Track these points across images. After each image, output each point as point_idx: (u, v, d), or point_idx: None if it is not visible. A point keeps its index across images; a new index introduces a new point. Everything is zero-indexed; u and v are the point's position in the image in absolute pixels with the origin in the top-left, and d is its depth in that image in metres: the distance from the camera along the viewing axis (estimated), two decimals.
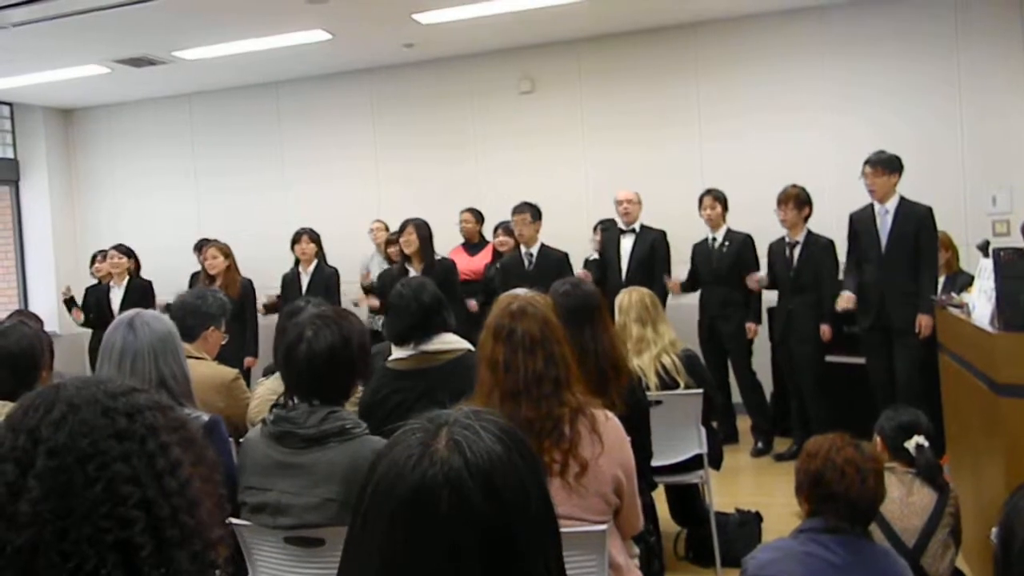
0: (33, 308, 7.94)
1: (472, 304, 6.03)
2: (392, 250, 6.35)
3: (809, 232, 5.50)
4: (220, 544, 1.07)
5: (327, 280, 6.53)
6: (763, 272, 5.65)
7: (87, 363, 6.54)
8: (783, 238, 5.59)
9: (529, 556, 0.92)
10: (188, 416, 1.68)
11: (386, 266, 6.46)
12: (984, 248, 3.82)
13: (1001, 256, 3.07)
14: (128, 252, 6.76)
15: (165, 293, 6.40)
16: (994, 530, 1.39)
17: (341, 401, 2.22)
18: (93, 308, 6.66)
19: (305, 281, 6.52)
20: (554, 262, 5.82)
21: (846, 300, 5.12)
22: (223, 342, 3.28)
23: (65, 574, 0.92)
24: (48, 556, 0.91)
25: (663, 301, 5.19)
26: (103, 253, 6.90)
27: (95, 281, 7.00)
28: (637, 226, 5.99)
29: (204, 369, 3.01)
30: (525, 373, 2.07)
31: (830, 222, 5.56)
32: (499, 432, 0.95)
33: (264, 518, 2.10)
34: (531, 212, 5.92)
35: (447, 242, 6.51)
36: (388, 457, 0.94)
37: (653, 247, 5.92)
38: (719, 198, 5.82)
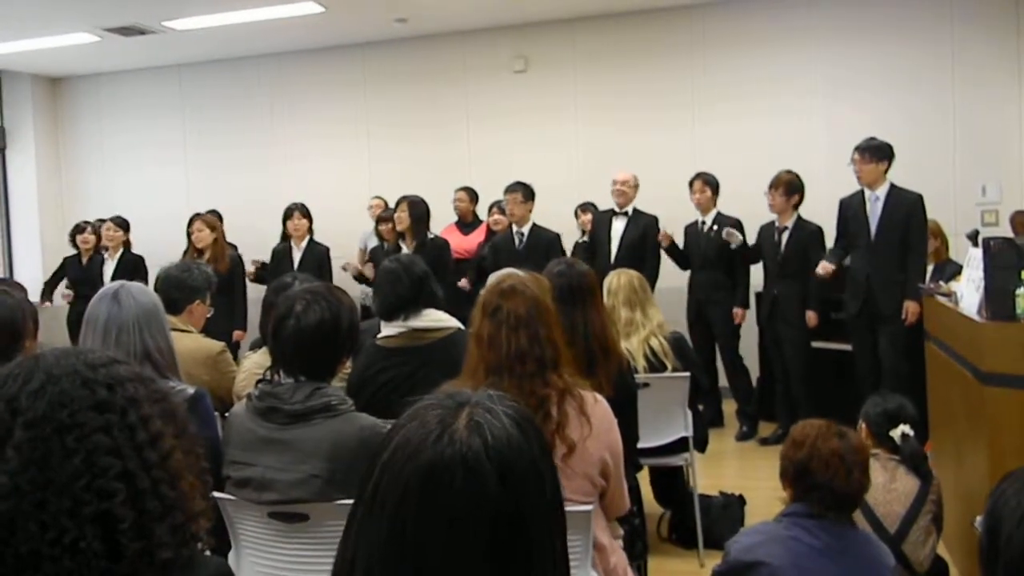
0: (18, 278, 7.86)
1: (464, 283, 6.02)
2: (384, 227, 6.32)
3: (799, 218, 5.50)
4: (202, 516, 1.06)
5: (320, 257, 6.50)
6: (739, 235, 5.60)
7: (66, 336, 6.49)
8: (772, 223, 5.59)
9: (537, 542, 0.92)
10: (170, 388, 1.67)
11: (378, 243, 6.43)
12: (973, 237, 3.83)
13: (991, 246, 3.07)
14: (124, 224, 6.71)
15: (152, 266, 6.37)
16: (979, 518, 1.40)
17: (327, 377, 2.20)
18: (80, 281, 6.60)
19: (297, 257, 6.48)
20: (544, 242, 5.80)
21: (823, 267, 5.11)
22: (208, 315, 3.26)
23: (44, 545, 0.90)
24: (26, 528, 0.90)
25: (652, 285, 5.19)
26: (89, 224, 6.85)
27: (74, 252, 6.90)
28: (630, 209, 5.97)
29: (190, 342, 2.99)
30: (508, 349, 2.07)
31: (822, 208, 5.56)
32: (519, 418, 0.95)
33: (248, 493, 2.09)
34: (523, 192, 5.89)
35: (438, 220, 6.48)
36: (404, 431, 0.93)
37: (645, 232, 5.90)
38: (709, 182, 5.80)
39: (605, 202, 6.16)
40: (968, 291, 3.40)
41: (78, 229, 6.92)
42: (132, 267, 6.50)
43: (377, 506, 0.91)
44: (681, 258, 5.97)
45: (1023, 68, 6.18)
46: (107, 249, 6.67)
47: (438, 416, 0.93)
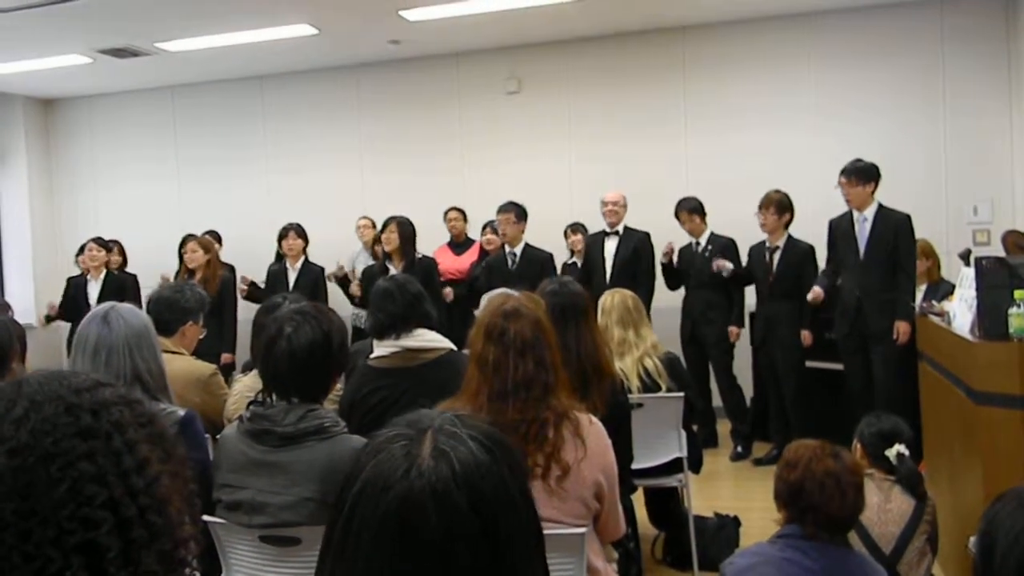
0: (9, 299, 7.83)
1: (448, 292, 6.03)
2: (379, 247, 6.33)
3: (789, 237, 5.52)
4: (190, 542, 1.04)
5: (315, 277, 6.49)
6: (730, 264, 5.60)
7: (64, 357, 6.46)
8: (763, 243, 5.60)
9: (519, 564, 0.91)
10: (157, 411, 1.65)
11: (372, 263, 6.44)
12: (966, 257, 3.84)
13: (983, 265, 3.08)
14: (106, 245, 6.68)
15: (145, 287, 6.36)
16: (972, 539, 1.39)
17: (320, 398, 2.19)
18: (70, 300, 6.58)
19: (292, 277, 6.48)
20: (538, 262, 5.81)
21: (814, 293, 5.13)
22: (200, 336, 3.24)
23: None
24: (10, 559, 0.88)
25: (647, 304, 5.19)
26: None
27: (78, 272, 6.91)
28: (621, 228, 5.99)
29: (181, 364, 2.98)
30: (515, 375, 2.06)
31: (813, 227, 5.57)
32: (484, 439, 0.93)
33: (239, 516, 2.07)
34: (516, 212, 5.90)
35: (430, 240, 6.49)
36: (372, 467, 0.91)
37: (637, 249, 5.92)
38: (695, 210, 5.83)
39: (598, 223, 6.17)
40: (960, 310, 3.41)
41: (80, 250, 6.95)
42: (118, 287, 6.44)
43: (350, 546, 0.89)
44: (674, 278, 5.97)
45: (1013, 88, 6.23)
46: (90, 271, 6.63)
47: (403, 448, 0.91)
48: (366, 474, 0.91)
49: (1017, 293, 2.90)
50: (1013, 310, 2.89)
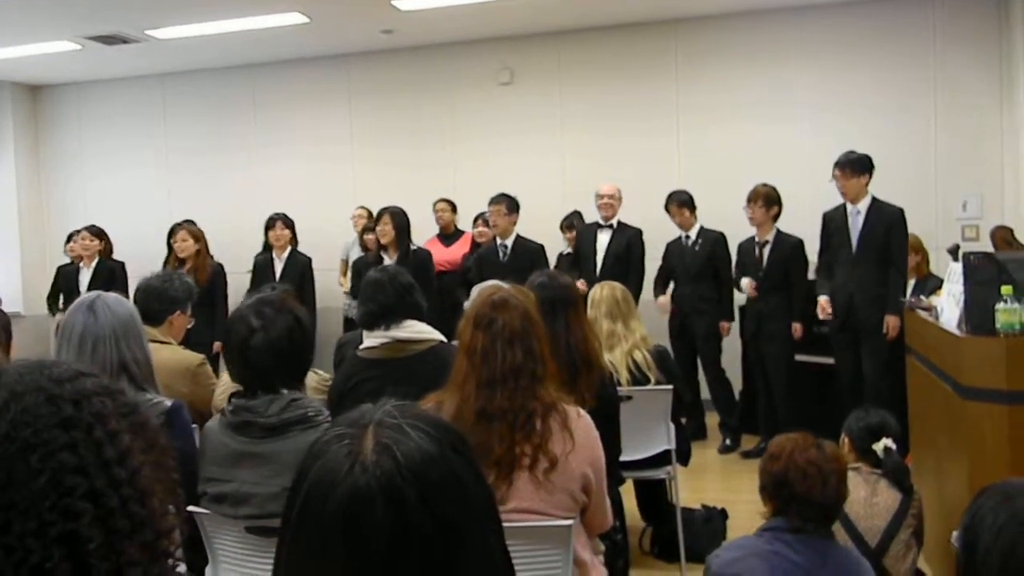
0: None
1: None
2: (369, 237, 6.32)
3: (778, 231, 5.53)
4: (173, 532, 1.04)
5: (301, 267, 6.48)
6: (753, 282, 5.57)
7: (53, 345, 6.43)
8: (752, 237, 5.61)
9: (474, 547, 0.90)
10: (141, 401, 1.64)
11: (363, 254, 6.42)
12: (954, 252, 3.85)
13: (971, 260, 3.09)
14: (99, 234, 6.68)
15: (133, 275, 6.33)
16: (955, 534, 1.40)
17: (302, 381, 2.19)
18: (63, 289, 6.57)
19: (279, 267, 6.47)
20: (529, 254, 5.80)
21: (822, 306, 5.13)
22: (189, 326, 3.23)
23: (9, 568, 0.88)
24: None
25: (636, 297, 5.19)
26: (78, 233, 6.82)
27: (68, 260, 6.91)
28: (615, 222, 5.99)
29: (169, 354, 2.97)
30: (503, 363, 2.07)
31: (804, 222, 5.58)
32: (427, 427, 0.92)
33: (225, 508, 2.06)
34: (507, 203, 5.89)
35: (422, 232, 6.47)
36: (316, 469, 0.90)
37: (629, 244, 5.92)
38: (685, 203, 5.84)
39: (590, 214, 6.17)
40: (948, 305, 3.42)
41: (68, 238, 6.93)
42: (108, 275, 6.45)
43: (301, 551, 0.89)
44: (663, 286, 5.95)
45: (1004, 85, 6.25)
46: (82, 259, 6.63)
47: (346, 447, 0.89)
48: (310, 478, 0.90)
49: (1004, 289, 2.91)
50: (1000, 305, 2.90)
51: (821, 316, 5.15)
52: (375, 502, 0.85)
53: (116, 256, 6.88)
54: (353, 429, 0.91)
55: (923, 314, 3.82)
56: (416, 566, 0.86)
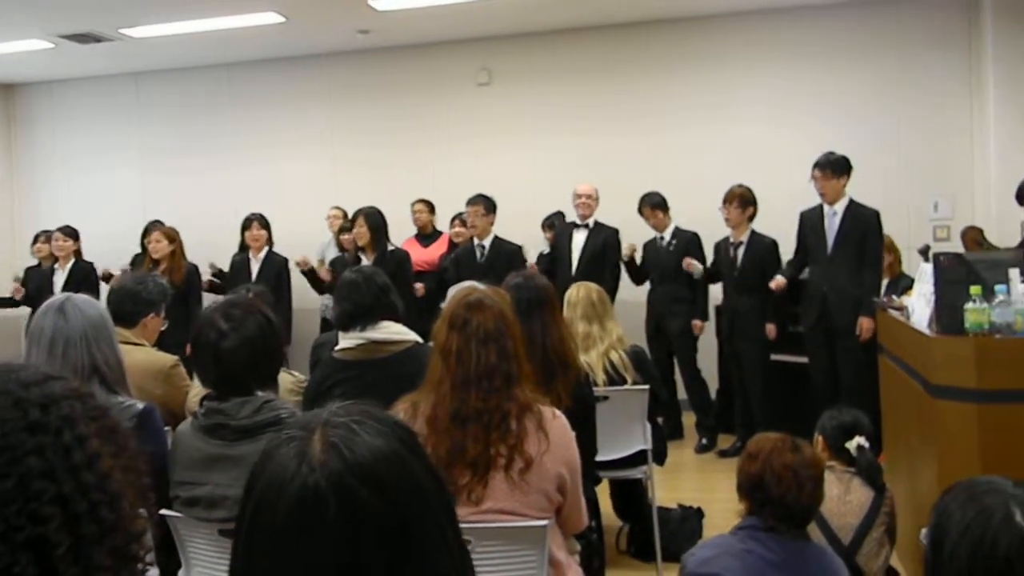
0: None
1: (419, 287, 6.00)
2: (345, 238, 6.29)
3: (753, 232, 5.57)
4: (143, 537, 1.03)
5: (278, 268, 6.44)
6: (699, 265, 5.67)
7: (23, 347, 6.34)
8: (727, 238, 5.65)
9: (429, 539, 0.91)
10: (111, 404, 1.63)
11: (340, 254, 6.40)
12: (925, 253, 3.91)
13: (941, 261, 3.13)
14: (73, 234, 6.61)
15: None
16: (924, 531, 1.42)
17: (275, 380, 2.17)
18: (34, 291, 6.47)
19: (255, 268, 6.42)
20: (506, 255, 5.81)
21: (776, 282, 5.19)
22: (162, 328, 3.20)
23: None
24: None
25: (612, 298, 5.21)
26: (46, 233, 6.74)
27: (35, 262, 6.82)
28: (591, 221, 6.01)
29: (142, 355, 2.94)
30: (477, 364, 2.08)
31: (779, 222, 5.63)
32: (375, 424, 0.93)
33: (198, 511, 2.05)
34: (484, 204, 5.89)
35: (400, 232, 6.46)
36: (265, 472, 0.91)
37: (605, 244, 5.94)
38: (658, 205, 5.87)
39: (571, 214, 6.20)
40: (919, 305, 3.46)
41: (35, 239, 6.84)
42: (83, 276, 6.39)
43: (257, 555, 0.89)
44: (637, 273, 6.00)
45: (973, 87, 6.33)
46: (57, 259, 6.56)
47: (294, 448, 0.90)
48: (261, 481, 0.90)
49: (973, 289, 2.95)
50: (969, 305, 2.94)
51: (773, 287, 5.21)
52: (326, 500, 0.86)
53: (88, 255, 6.80)
54: (302, 431, 0.92)
55: (895, 314, 3.87)
56: (371, 561, 0.86)
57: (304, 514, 0.86)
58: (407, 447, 0.93)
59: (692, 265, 5.63)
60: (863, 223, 5.02)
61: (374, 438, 0.90)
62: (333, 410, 0.95)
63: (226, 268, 6.59)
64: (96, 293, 5.46)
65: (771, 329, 5.46)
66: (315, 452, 0.89)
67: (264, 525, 0.88)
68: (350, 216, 6.55)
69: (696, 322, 5.80)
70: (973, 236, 5.75)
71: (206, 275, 6.45)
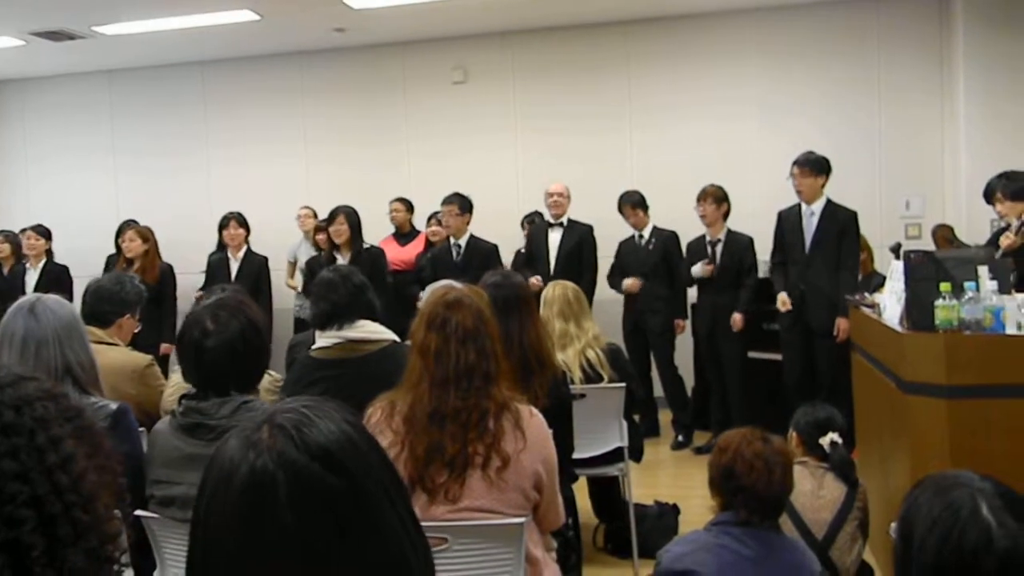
0: None
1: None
2: (321, 237, 6.27)
3: (729, 231, 5.61)
4: (118, 538, 1.03)
5: (257, 267, 6.40)
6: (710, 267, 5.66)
7: None
8: (703, 236, 5.68)
9: (378, 508, 0.92)
10: (85, 404, 1.62)
11: (314, 253, 6.37)
12: (896, 250, 3.95)
13: (911, 258, 3.18)
14: (46, 233, 6.52)
15: (79, 276, 6.19)
16: (893, 525, 1.44)
17: (256, 386, 2.17)
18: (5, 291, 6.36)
19: (234, 267, 6.37)
20: (482, 254, 5.81)
21: (782, 301, 5.19)
22: (136, 330, 3.18)
23: None
24: None
25: (590, 296, 5.23)
26: (3, 233, 6.64)
27: None
28: (565, 220, 6.03)
29: (116, 355, 2.92)
30: (456, 363, 2.08)
31: (756, 221, 5.68)
32: (320, 407, 0.95)
33: (173, 511, 2.04)
34: (459, 203, 5.89)
35: (376, 231, 6.44)
36: (215, 465, 0.92)
37: (581, 241, 5.96)
38: (638, 204, 5.89)
39: (545, 212, 6.21)
40: (890, 302, 3.51)
41: None
42: (55, 277, 6.31)
43: (213, 544, 0.90)
44: (617, 283, 5.97)
45: (945, 86, 6.42)
46: (28, 259, 6.47)
47: (244, 438, 0.92)
48: (211, 474, 0.92)
49: (943, 286, 3.00)
50: (939, 302, 2.98)
51: (782, 310, 5.21)
52: (275, 477, 0.87)
53: (60, 254, 6.72)
54: (251, 425, 0.94)
55: (867, 311, 3.92)
56: (324, 531, 0.88)
57: (252, 496, 0.87)
58: (354, 427, 0.95)
59: (705, 270, 5.60)
60: (841, 224, 5.05)
61: (322, 420, 0.93)
62: (280, 407, 0.96)
63: (200, 271, 6.52)
64: (70, 295, 5.39)
65: (737, 319, 5.44)
66: (263, 438, 0.90)
67: (217, 512, 0.90)
68: (319, 215, 6.54)
69: (679, 321, 5.83)
70: (944, 234, 5.83)
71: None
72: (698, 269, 5.64)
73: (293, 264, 6.89)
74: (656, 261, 5.83)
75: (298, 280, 6.57)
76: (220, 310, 2.11)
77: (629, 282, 5.80)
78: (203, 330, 2.08)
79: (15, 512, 0.90)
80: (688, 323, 5.92)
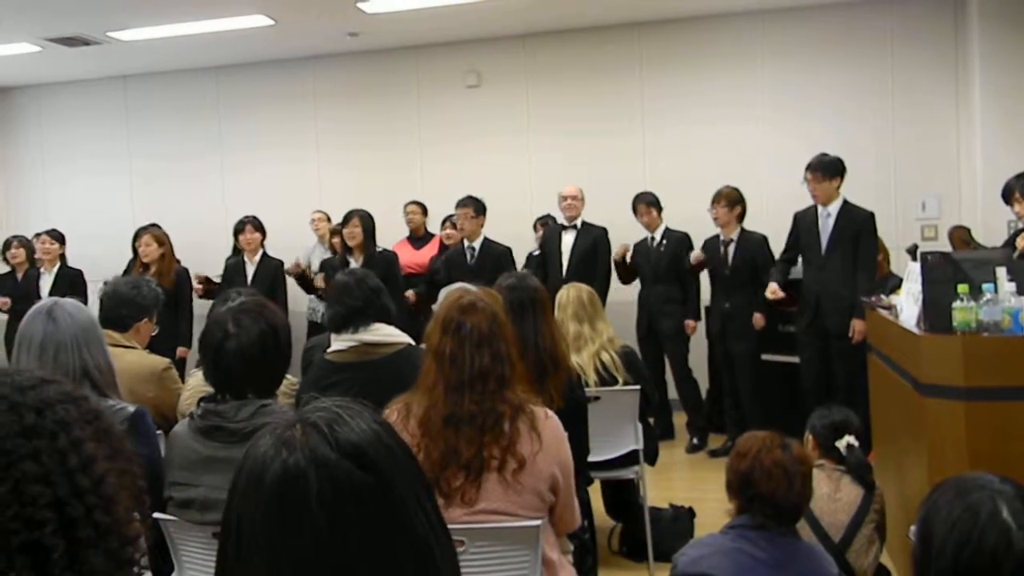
0: None
1: (411, 294, 6.00)
2: (337, 240, 6.28)
3: (743, 230, 5.59)
4: (138, 540, 1.03)
5: (273, 271, 6.42)
6: (701, 254, 5.72)
7: (3, 353, 6.30)
8: (717, 236, 5.67)
9: (407, 501, 0.94)
10: (105, 407, 1.63)
11: (329, 256, 6.39)
12: (913, 252, 3.93)
13: (928, 260, 3.15)
14: (60, 238, 6.57)
15: (94, 280, 6.22)
16: (912, 528, 1.43)
17: (274, 392, 2.17)
18: (14, 297, 6.41)
19: (251, 271, 6.39)
20: (495, 257, 5.82)
21: (772, 291, 5.19)
22: (153, 333, 3.20)
23: None
24: None
25: (603, 298, 5.22)
26: (16, 239, 6.69)
27: (7, 269, 6.74)
28: (579, 222, 6.02)
29: (134, 358, 2.94)
30: (471, 367, 2.08)
31: (769, 221, 5.66)
32: (353, 410, 0.96)
33: (191, 514, 2.05)
34: (474, 206, 5.90)
35: (389, 235, 6.46)
36: (246, 465, 0.93)
37: (595, 243, 5.96)
38: (652, 203, 5.88)
39: (557, 217, 6.21)
40: (907, 304, 3.49)
41: (6, 245, 6.77)
42: (70, 282, 6.34)
43: (245, 549, 0.90)
44: (626, 272, 6.01)
45: (960, 87, 6.37)
46: (43, 263, 6.52)
47: (275, 438, 0.93)
48: (243, 474, 0.93)
49: (960, 287, 2.97)
50: (956, 304, 2.96)
51: (770, 297, 5.19)
52: (306, 474, 0.88)
53: (75, 259, 6.76)
54: (282, 426, 0.95)
55: (883, 313, 3.89)
56: (354, 526, 0.89)
57: (284, 494, 0.88)
58: (383, 427, 0.96)
59: (698, 258, 5.65)
60: (857, 225, 5.02)
61: (354, 419, 0.94)
62: (312, 406, 0.98)
63: (215, 274, 6.55)
64: (84, 299, 5.43)
65: (759, 319, 5.44)
66: (295, 436, 0.92)
67: (248, 510, 0.90)
68: (332, 220, 6.55)
69: (689, 322, 5.81)
70: (960, 235, 5.78)
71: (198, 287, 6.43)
72: (692, 257, 5.66)
73: (308, 268, 6.89)
74: (668, 263, 5.82)
75: (319, 280, 6.55)
76: (242, 314, 2.12)
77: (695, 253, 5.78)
78: (224, 332, 2.09)
79: (37, 514, 0.90)
80: (703, 325, 5.90)
